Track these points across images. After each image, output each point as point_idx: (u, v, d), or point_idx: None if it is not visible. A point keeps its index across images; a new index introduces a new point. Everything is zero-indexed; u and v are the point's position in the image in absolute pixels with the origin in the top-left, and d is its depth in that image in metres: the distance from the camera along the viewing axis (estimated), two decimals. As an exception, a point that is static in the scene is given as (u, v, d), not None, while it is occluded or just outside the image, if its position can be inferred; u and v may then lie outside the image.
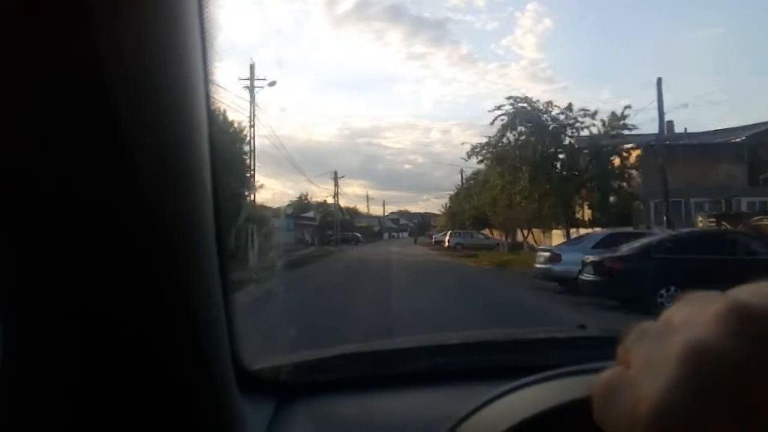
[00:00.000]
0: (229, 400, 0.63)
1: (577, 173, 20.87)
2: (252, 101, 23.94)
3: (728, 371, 0.24)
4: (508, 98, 21.60)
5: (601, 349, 0.95)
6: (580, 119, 20.78)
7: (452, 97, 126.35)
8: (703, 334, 0.25)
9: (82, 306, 0.50)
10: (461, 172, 45.38)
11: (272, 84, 24.57)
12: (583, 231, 18.98)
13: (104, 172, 0.48)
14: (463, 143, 34.27)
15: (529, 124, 20.58)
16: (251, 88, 21.31)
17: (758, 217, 17.34)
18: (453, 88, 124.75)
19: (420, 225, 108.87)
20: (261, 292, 7.36)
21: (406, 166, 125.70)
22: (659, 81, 19.06)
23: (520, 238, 28.27)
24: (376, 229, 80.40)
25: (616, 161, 21.11)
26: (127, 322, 0.52)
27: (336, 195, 49.20)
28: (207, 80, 0.55)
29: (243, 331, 0.70)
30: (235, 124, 21.17)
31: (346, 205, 70.43)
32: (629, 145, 21.03)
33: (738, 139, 25.66)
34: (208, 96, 0.55)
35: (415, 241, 53.51)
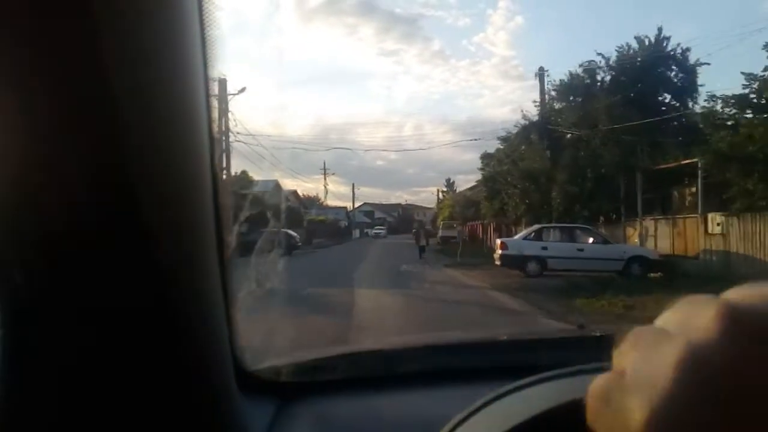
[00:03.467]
0: (229, 401, 0.69)
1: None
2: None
3: (724, 379, 0.24)
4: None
5: (600, 349, 0.85)
6: None
7: (425, 93, 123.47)
8: (697, 341, 0.26)
9: (81, 306, 0.52)
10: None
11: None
12: None
13: (104, 173, 0.48)
14: None
15: None
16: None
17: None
18: (425, 84, 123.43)
19: (402, 219, 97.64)
20: None
21: (378, 162, 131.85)
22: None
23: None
24: (343, 224, 64.93)
25: None
26: (127, 323, 0.53)
27: (222, 118, 13.45)
28: (206, 81, 0.58)
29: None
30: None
31: (306, 194, 61.75)
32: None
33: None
34: (207, 96, 0.58)
35: (421, 251, 25.51)
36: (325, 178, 58.06)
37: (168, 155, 0.52)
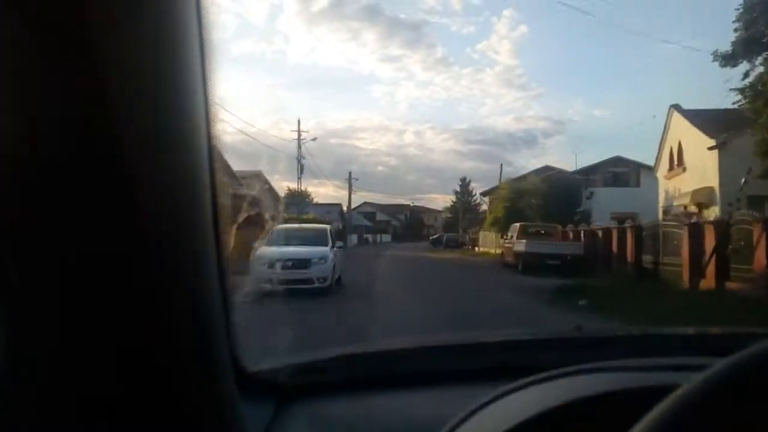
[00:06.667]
0: (228, 401, 0.72)
1: None
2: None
3: None
4: None
5: (598, 349, 0.95)
6: None
7: (427, 100, 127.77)
8: None
9: (82, 307, 0.54)
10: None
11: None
12: None
13: (103, 173, 0.51)
14: None
15: None
16: None
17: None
18: (428, 91, 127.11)
19: (410, 223, 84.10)
20: None
21: (379, 167, 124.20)
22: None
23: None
24: (337, 226, 41.30)
25: None
26: (127, 324, 0.56)
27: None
28: (206, 81, 0.61)
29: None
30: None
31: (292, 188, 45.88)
32: None
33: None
34: (207, 97, 0.62)
35: None
36: (299, 144, 37.77)
37: (166, 155, 0.55)
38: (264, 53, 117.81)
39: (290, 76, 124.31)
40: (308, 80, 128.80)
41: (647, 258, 17.96)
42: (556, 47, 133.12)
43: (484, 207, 50.85)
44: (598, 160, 36.41)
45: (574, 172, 35.25)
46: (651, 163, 28.43)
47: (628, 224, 20.61)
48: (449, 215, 79.27)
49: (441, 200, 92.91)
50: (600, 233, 21.53)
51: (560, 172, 33.79)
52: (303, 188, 52.06)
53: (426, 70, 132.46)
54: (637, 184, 35.03)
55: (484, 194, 46.72)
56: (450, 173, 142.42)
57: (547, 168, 37.51)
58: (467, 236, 53.09)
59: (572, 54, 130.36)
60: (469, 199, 75.64)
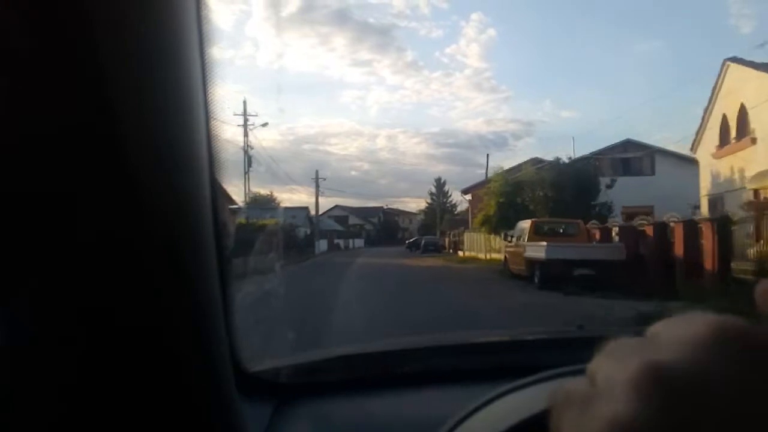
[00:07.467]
0: (228, 402, 0.71)
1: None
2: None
3: (684, 399, 0.26)
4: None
5: (599, 348, 1.07)
6: None
7: (398, 104, 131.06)
8: (621, 409, 0.28)
9: (81, 307, 0.54)
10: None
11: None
12: None
13: (103, 173, 0.50)
14: None
15: None
16: None
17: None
18: (398, 95, 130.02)
19: (384, 226, 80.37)
20: None
21: (352, 172, 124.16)
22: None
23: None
24: (303, 232, 44.39)
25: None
26: (126, 324, 0.56)
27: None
28: (205, 81, 0.62)
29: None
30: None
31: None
32: None
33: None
34: (206, 97, 0.62)
35: None
36: (245, 131, 31.93)
37: (165, 155, 0.55)
38: (233, 59, 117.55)
39: (259, 83, 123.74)
40: (278, 86, 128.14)
41: (740, 266, 12.49)
42: (523, 50, 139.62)
43: (462, 207, 46.01)
44: (601, 147, 31.52)
45: (576, 160, 28.19)
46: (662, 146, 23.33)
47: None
48: (424, 217, 75.39)
49: (414, 204, 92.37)
50: (650, 231, 15.33)
51: (552, 162, 28.68)
52: (269, 193, 47.11)
53: (396, 74, 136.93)
54: (652, 172, 30.74)
55: (465, 191, 40.84)
56: (422, 176, 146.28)
57: (536, 160, 32.13)
58: (447, 239, 49.55)
59: (540, 56, 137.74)
60: (445, 200, 71.21)
